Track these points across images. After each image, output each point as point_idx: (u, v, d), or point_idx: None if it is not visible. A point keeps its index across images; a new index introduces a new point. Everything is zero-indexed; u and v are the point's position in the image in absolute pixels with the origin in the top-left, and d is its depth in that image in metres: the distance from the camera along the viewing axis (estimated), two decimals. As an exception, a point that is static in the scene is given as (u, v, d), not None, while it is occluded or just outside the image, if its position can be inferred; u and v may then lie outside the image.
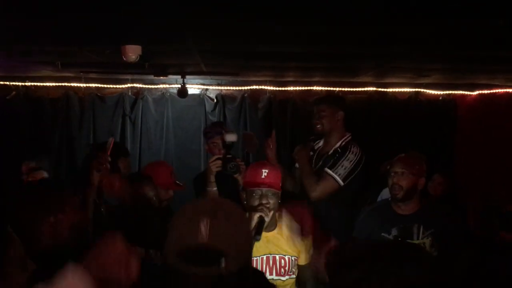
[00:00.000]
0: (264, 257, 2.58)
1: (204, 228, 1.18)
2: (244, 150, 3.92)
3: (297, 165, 3.60)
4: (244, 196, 2.67)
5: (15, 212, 1.86)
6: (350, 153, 3.41)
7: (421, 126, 5.58)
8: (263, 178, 2.57)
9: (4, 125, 5.10)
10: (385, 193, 4.02)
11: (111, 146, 2.67)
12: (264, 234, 2.54)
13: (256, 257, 2.55)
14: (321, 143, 3.64)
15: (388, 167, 2.96)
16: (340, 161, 3.37)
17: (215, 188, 3.28)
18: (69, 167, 5.23)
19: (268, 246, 2.60)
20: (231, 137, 3.63)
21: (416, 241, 2.80)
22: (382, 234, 2.88)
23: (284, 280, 2.59)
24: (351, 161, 3.37)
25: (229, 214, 1.27)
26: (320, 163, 3.53)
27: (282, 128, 5.51)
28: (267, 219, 2.50)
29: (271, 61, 4.09)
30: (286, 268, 2.60)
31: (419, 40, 2.92)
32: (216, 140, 3.77)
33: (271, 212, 2.55)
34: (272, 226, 2.63)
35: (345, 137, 3.52)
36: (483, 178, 5.19)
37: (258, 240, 2.38)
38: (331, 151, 3.49)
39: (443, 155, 5.59)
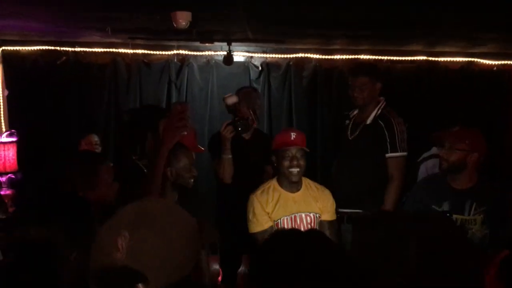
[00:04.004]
0: (292, 216, 2.84)
1: (121, 243, 0.95)
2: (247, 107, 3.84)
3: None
4: (274, 159, 2.89)
5: None
6: (397, 124, 3.42)
7: (473, 98, 5.38)
8: (292, 140, 2.81)
9: (55, 90, 5.23)
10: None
11: None
12: (290, 195, 2.84)
13: (285, 216, 2.82)
14: (356, 111, 3.63)
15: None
16: (397, 139, 3.40)
17: (230, 156, 3.38)
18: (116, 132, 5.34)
19: (294, 206, 2.85)
20: (231, 100, 3.63)
21: (466, 217, 2.77)
22: (433, 206, 2.85)
23: None
24: (403, 131, 3.43)
25: (164, 224, 1.01)
26: (357, 132, 3.53)
27: (327, 97, 5.43)
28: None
29: (318, 28, 4.01)
30: (312, 224, 2.85)
31: (472, 7, 2.80)
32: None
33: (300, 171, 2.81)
34: (298, 187, 2.90)
35: (380, 104, 3.50)
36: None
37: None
38: (370, 121, 3.48)
39: (494, 128, 5.39)
